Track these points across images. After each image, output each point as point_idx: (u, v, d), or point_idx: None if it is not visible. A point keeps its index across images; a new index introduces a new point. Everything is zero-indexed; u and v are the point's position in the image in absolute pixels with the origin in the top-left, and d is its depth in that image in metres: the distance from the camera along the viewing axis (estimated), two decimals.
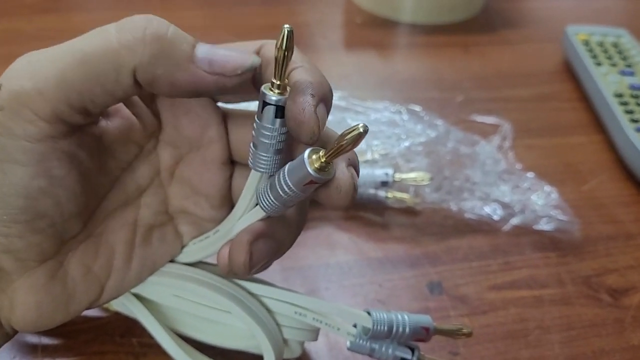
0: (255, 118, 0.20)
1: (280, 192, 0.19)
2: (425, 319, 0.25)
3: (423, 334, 0.25)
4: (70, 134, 0.20)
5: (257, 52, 0.21)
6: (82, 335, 0.29)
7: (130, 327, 0.29)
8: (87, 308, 0.24)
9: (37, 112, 0.19)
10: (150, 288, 0.25)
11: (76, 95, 0.19)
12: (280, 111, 0.19)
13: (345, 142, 0.17)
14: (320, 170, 0.18)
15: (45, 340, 0.28)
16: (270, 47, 0.21)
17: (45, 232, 0.21)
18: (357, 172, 0.20)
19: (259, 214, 0.21)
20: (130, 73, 0.19)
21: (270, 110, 0.19)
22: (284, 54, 0.18)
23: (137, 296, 0.26)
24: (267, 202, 0.20)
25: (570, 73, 0.52)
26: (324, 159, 0.18)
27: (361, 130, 0.17)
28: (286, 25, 0.18)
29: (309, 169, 0.18)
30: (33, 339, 0.28)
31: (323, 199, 0.19)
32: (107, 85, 0.19)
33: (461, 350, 0.29)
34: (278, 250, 0.22)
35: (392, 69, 0.52)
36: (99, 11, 0.58)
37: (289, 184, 0.19)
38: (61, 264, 0.22)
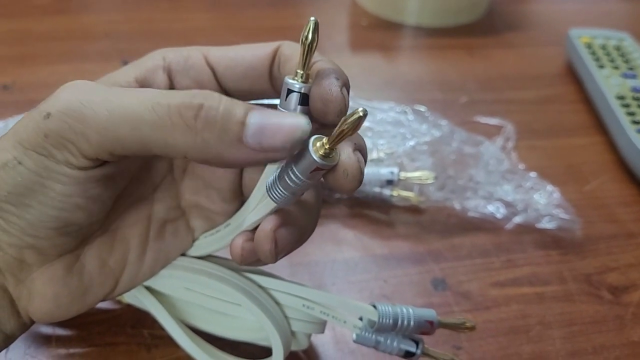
0: (279, 107, 0.20)
1: (289, 182, 0.20)
2: (429, 313, 0.26)
3: (427, 327, 0.26)
4: (110, 163, 0.21)
5: (276, 52, 0.22)
6: (95, 327, 0.29)
7: (141, 319, 0.29)
8: (102, 300, 0.24)
9: (80, 149, 0.19)
10: (162, 281, 0.26)
11: (120, 149, 0.19)
12: (303, 98, 0.20)
13: (346, 126, 0.18)
14: (325, 156, 0.19)
15: (59, 331, 0.29)
16: (288, 45, 0.22)
17: (70, 235, 0.22)
18: (365, 156, 0.21)
19: (269, 205, 0.22)
20: (181, 154, 0.19)
21: (293, 98, 0.20)
22: (310, 44, 0.19)
23: (149, 289, 0.27)
24: (277, 193, 0.21)
25: (573, 75, 0.52)
26: (328, 146, 0.19)
27: (361, 114, 0.18)
28: (312, 18, 0.19)
29: (313, 156, 0.19)
30: (47, 329, 0.29)
31: (331, 184, 0.20)
32: (154, 151, 0.19)
33: (464, 344, 0.30)
34: (301, 236, 0.23)
35: (396, 70, 0.53)
36: (108, 12, 0.59)
37: (296, 172, 0.19)
38: (78, 257, 0.23)
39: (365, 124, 0.38)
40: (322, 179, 0.20)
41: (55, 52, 0.51)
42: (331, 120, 0.20)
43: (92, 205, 0.21)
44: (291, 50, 0.22)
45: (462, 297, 0.33)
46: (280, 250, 0.22)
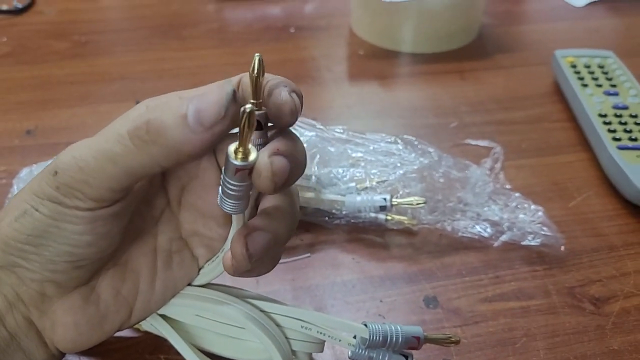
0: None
1: (227, 190, 0.23)
2: (416, 330, 0.29)
3: (415, 342, 0.29)
4: (114, 202, 0.24)
5: (238, 84, 0.25)
6: (116, 354, 0.32)
7: (158, 345, 0.32)
8: (120, 329, 0.27)
9: (86, 194, 0.23)
10: (174, 309, 0.29)
11: (115, 184, 0.23)
12: (257, 123, 0.23)
13: (242, 124, 0.21)
14: (243, 158, 0.22)
15: (84, 359, 0.32)
16: (248, 76, 0.25)
17: (84, 267, 0.25)
18: (293, 159, 0.23)
19: (235, 219, 0.25)
20: (157, 168, 0.23)
21: None
22: (257, 77, 0.22)
23: (164, 317, 0.30)
24: (227, 204, 0.23)
25: (560, 94, 0.55)
26: (240, 148, 0.22)
27: (247, 110, 0.21)
28: (257, 54, 0.22)
29: (230, 159, 0.22)
30: (73, 357, 0.32)
31: (254, 185, 0.23)
32: (140, 174, 0.23)
33: (454, 358, 0.33)
34: (275, 241, 0.25)
35: (392, 97, 0.56)
36: (122, 54, 0.62)
37: (226, 178, 0.22)
38: (93, 288, 0.26)
39: (358, 154, 0.41)
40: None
41: (74, 95, 0.55)
42: (286, 121, 0.23)
43: (100, 241, 0.24)
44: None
45: (452, 313, 0.35)
46: (253, 254, 0.24)
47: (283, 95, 0.23)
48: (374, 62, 0.61)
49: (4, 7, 0.69)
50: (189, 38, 0.65)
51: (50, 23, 0.68)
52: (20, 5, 0.69)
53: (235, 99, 0.22)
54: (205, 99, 0.21)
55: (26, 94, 0.55)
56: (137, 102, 0.54)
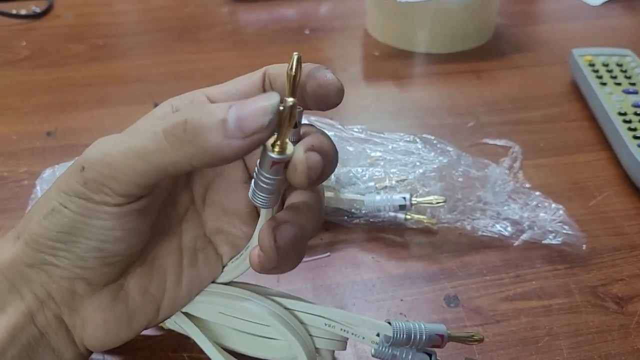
0: None
1: (260, 183, 0.23)
2: (439, 327, 0.29)
3: (438, 340, 0.29)
4: (141, 198, 0.24)
5: (264, 75, 0.26)
6: (140, 352, 0.33)
7: (181, 343, 0.33)
8: (147, 326, 0.28)
9: (113, 190, 0.23)
10: (198, 307, 0.29)
11: (144, 180, 0.23)
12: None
13: (283, 118, 0.21)
14: (280, 152, 0.22)
15: (109, 358, 0.32)
16: (272, 67, 0.26)
17: (114, 264, 0.25)
18: (326, 155, 0.23)
19: (263, 213, 0.25)
20: (188, 167, 0.22)
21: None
22: (294, 76, 0.22)
23: (187, 315, 0.30)
24: (259, 198, 0.24)
25: (578, 93, 0.55)
26: (278, 141, 0.22)
27: (289, 104, 0.21)
28: (295, 53, 0.22)
29: (267, 151, 0.22)
30: (98, 356, 0.32)
31: (288, 178, 0.23)
32: (169, 172, 0.23)
33: (477, 357, 0.32)
34: (302, 235, 0.25)
35: (408, 98, 0.56)
36: (139, 57, 0.63)
37: (261, 171, 0.23)
38: (122, 286, 0.27)
39: (377, 154, 0.41)
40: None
41: (92, 97, 0.56)
42: (333, 101, 0.24)
43: (129, 237, 0.25)
44: (276, 70, 0.26)
45: (473, 312, 0.35)
46: (280, 246, 0.24)
47: (329, 76, 0.23)
48: (389, 63, 0.61)
49: (23, 12, 0.70)
50: (204, 40, 0.66)
51: (68, 27, 0.69)
52: (38, 10, 0.70)
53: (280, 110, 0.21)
54: (248, 107, 0.21)
55: (46, 96, 0.56)
56: (155, 104, 0.54)
